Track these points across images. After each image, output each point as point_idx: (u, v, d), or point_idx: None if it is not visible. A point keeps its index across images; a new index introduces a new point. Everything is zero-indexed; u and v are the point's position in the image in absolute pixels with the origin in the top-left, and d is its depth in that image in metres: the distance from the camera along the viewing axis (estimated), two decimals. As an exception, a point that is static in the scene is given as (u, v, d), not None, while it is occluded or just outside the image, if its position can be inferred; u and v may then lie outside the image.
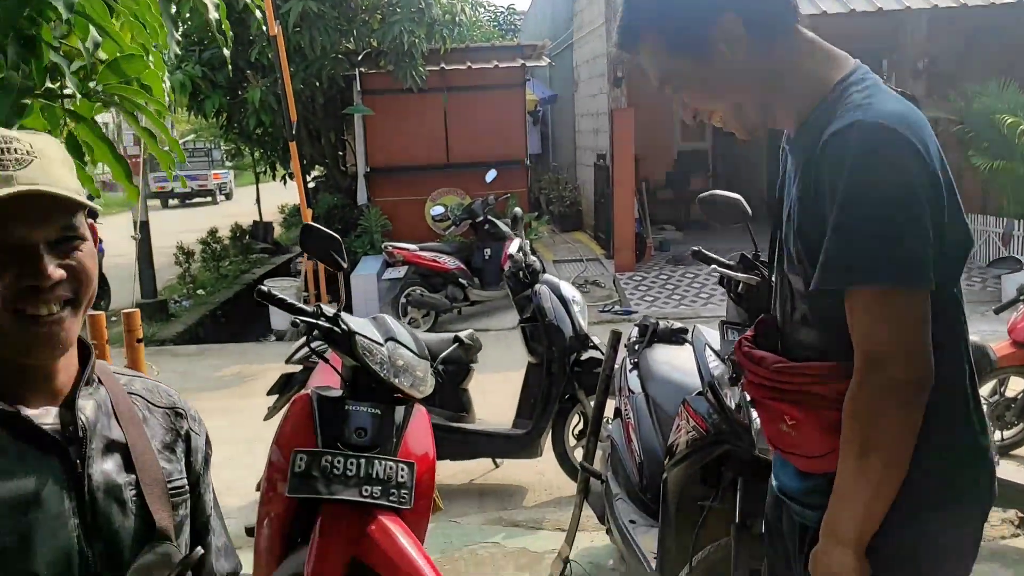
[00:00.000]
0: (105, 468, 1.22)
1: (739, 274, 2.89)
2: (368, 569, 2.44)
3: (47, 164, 1.14)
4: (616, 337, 3.62)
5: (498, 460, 5.17)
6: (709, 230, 12.97)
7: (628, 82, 10.02)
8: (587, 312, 4.93)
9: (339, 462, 2.47)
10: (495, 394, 5.74)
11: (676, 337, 3.73)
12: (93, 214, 1.23)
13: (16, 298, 1.10)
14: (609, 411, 3.82)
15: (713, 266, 2.93)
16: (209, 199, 26.92)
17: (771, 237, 1.67)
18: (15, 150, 1.13)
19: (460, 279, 8.95)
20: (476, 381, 4.96)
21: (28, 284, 1.10)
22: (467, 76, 10.31)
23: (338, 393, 2.68)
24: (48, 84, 1.61)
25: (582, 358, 4.79)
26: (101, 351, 3.77)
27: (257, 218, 14.76)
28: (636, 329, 3.84)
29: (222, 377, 7.72)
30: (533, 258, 4.94)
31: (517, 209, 5.31)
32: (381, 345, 2.63)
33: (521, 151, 10.65)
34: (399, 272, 8.79)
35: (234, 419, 5.86)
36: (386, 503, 2.46)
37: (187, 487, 1.36)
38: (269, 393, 4.93)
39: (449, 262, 8.93)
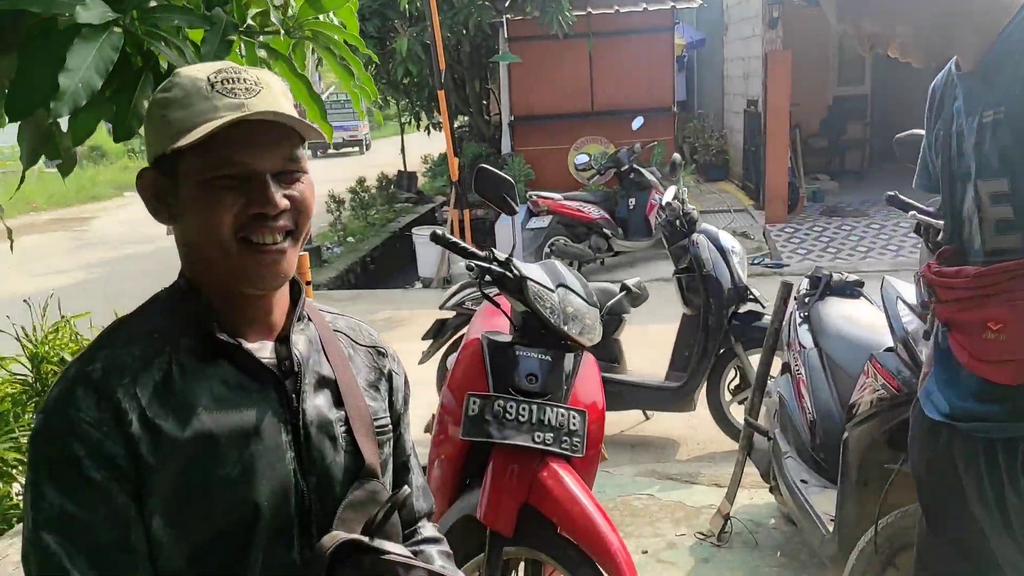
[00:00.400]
0: (317, 403, 1.23)
1: (940, 221, 2.66)
2: (538, 514, 2.44)
3: (274, 95, 1.14)
4: (787, 289, 3.45)
5: (649, 412, 5.10)
6: (865, 179, 12.29)
7: (784, 23, 9.50)
8: (746, 263, 4.73)
9: (511, 407, 2.46)
10: (643, 345, 5.65)
11: (851, 290, 3.52)
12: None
13: (243, 226, 1.11)
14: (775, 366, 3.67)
15: (912, 213, 2.71)
16: (356, 149, 27.68)
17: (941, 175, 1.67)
18: (244, 79, 1.13)
19: (604, 229, 8.83)
20: (625, 332, 4.88)
21: (256, 212, 1.11)
22: (614, 20, 10.04)
23: (507, 338, 2.66)
24: (249, 21, 1.61)
25: (740, 311, 4.62)
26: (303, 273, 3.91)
27: (401, 168, 15.04)
28: (807, 281, 3.64)
29: (374, 321, 7.94)
30: (690, 207, 4.76)
31: (676, 156, 5.12)
32: (552, 291, 2.59)
33: (668, 98, 10.33)
34: (543, 222, 8.75)
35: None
36: (558, 450, 2.44)
37: (391, 426, 1.36)
38: (424, 338, 5.03)
39: (593, 211, 8.82)
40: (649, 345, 5.87)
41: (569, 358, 2.62)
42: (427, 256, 9.35)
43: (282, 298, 1.25)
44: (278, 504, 1.15)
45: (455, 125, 13.10)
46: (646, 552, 3.58)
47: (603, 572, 2.39)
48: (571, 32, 9.75)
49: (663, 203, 4.83)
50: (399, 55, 9.95)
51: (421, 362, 4.92)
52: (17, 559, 1.64)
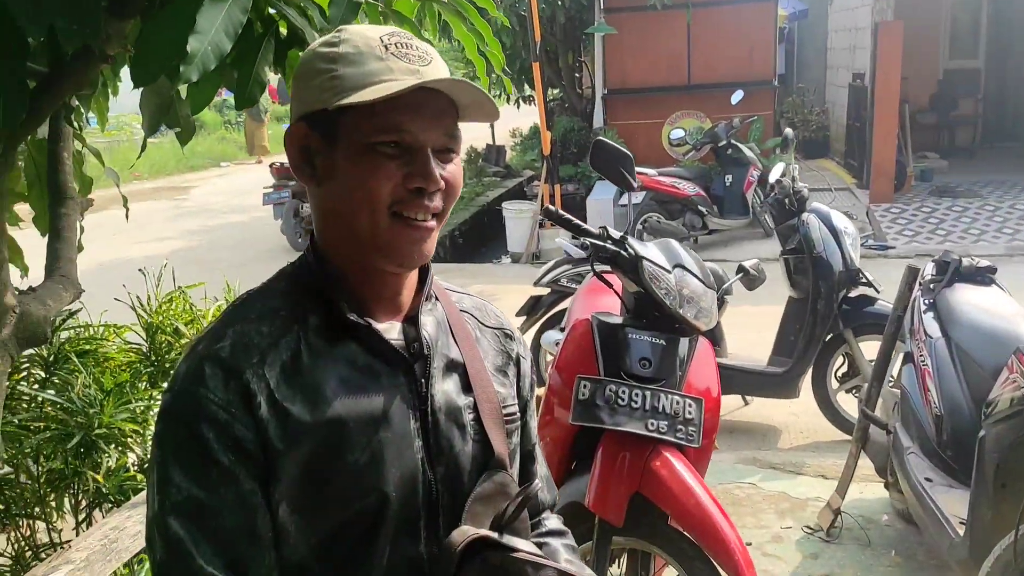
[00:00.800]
0: (446, 388, 1.16)
1: None
2: (650, 504, 2.34)
3: (443, 68, 1.08)
4: (913, 274, 3.24)
5: (748, 398, 4.93)
6: (977, 157, 11.66)
7: (898, -8, 9.03)
8: (859, 245, 4.50)
9: (624, 392, 2.36)
10: (743, 328, 5.46)
11: (982, 276, 3.28)
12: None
13: (399, 200, 1.05)
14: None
15: None
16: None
17: None
18: (416, 47, 1.07)
19: (699, 206, 8.59)
20: (729, 313, 4.71)
21: (415, 186, 1.04)
22: (714, -10, 9.71)
23: (619, 320, 2.56)
24: (375, -17, 1.53)
25: (851, 295, 4.40)
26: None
27: (490, 142, 14.98)
28: (932, 266, 3.42)
29: (463, 296, 7.91)
30: (801, 184, 4.54)
31: (788, 131, 4.92)
32: (668, 272, 2.47)
33: (769, 71, 9.94)
34: (636, 198, 8.55)
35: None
36: (672, 439, 2.33)
37: (518, 413, 1.28)
38: (518, 314, 4.97)
39: (688, 188, 8.58)
40: (749, 328, 5.67)
41: (684, 342, 2.50)
42: (517, 231, 9.27)
43: (412, 278, 1.17)
44: (406, 494, 1.08)
45: (547, 98, 12.95)
46: (750, 544, 3.44)
47: (718, 568, 2.29)
48: (669, 2, 9.47)
49: (773, 180, 4.62)
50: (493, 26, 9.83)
51: (515, 339, 4.85)
52: (135, 531, 1.63)
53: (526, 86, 12.38)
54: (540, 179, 9.50)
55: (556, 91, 12.75)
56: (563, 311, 4.91)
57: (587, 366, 2.46)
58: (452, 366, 1.18)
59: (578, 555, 1.37)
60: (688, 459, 2.40)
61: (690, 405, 2.36)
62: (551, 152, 9.23)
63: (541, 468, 1.38)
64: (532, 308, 5.02)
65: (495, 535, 1.10)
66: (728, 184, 8.69)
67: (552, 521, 1.38)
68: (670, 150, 9.75)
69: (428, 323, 1.18)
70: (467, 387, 1.19)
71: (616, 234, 2.49)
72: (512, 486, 1.19)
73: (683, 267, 2.52)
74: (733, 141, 8.69)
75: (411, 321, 1.16)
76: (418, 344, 1.14)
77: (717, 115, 9.59)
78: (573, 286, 4.77)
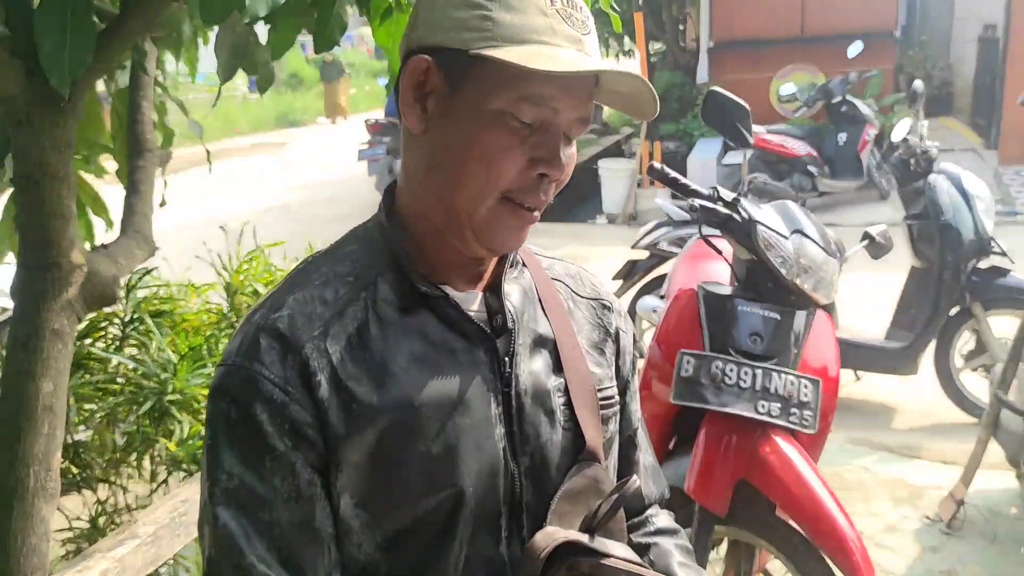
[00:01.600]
0: (533, 368, 1.00)
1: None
2: (756, 493, 2.14)
3: (595, 34, 0.93)
4: (1062, 245, 2.89)
5: (860, 373, 4.62)
6: (1121, 118, 10.68)
7: (1039, -67, 8.24)
8: (992, 212, 4.10)
9: (731, 370, 2.15)
10: (856, 298, 5.11)
11: None
12: None
13: (517, 187, 0.91)
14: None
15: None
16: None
17: None
18: (580, 7, 0.91)
19: (809, 166, 8.14)
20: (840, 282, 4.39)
21: (540, 172, 0.90)
22: (833, -66, 9.09)
23: (728, 290, 2.34)
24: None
25: (981, 266, 4.03)
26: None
27: (588, 97, 14.62)
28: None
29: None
30: (929, 143, 4.16)
31: (918, 83, 4.47)
32: (786, 238, 2.23)
33: (890, 20, 9.27)
34: (740, 157, 8.16)
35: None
36: (785, 423, 2.12)
37: (616, 396, 1.11)
38: (614, 279, 4.78)
39: (798, 147, 8.13)
40: (863, 298, 5.33)
41: (800, 316, 2.27)
42: (613, 190, 9.01)
43: None
44: (485, 489, 0.94)
45: (648, 53, 12.52)
46: (862, 533, 3.21)
47: (832, 565, 2.08)
48: (784, -52, 8.92)
49: (897, 138, 4.24)
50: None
51: (610, 303, 4.67)
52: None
53: (627, 39, 11.98)
54: (639, 136, 9.18)
55: (658, 45, 12.30)
56: (662, 276, 4.69)
57: (691, 340, 2.26)
58: (540, 342, 1.02)
59: (694, 557, 1.20)
60: (801, 444, 2.18)
61: (806, 386, 2.14)
62: (652, 108, 8.88)
63: (645, 457, 1.21)
64: (629, 272, 4.82)
65: (585, 538, 0.95)
66: (841, 143, 8.20)
67: (662, 518, 1.21)
68: (779, 107, 9.24)
69: (513, 292, 1.02)
70: (557, 366, 1.03)
71: (728, 195, 2.26)
72: (606, 481, 1.03)
73: (802, 233, 2.27)
74: (848, 97, 8.17)
75: (493, 290, 1.00)
76: (501, 317, 0.98)
77: (832, 69, 9.01)
78: (673, 250, 4.54)
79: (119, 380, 1.75)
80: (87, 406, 1.71)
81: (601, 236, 8.33)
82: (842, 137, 8.16)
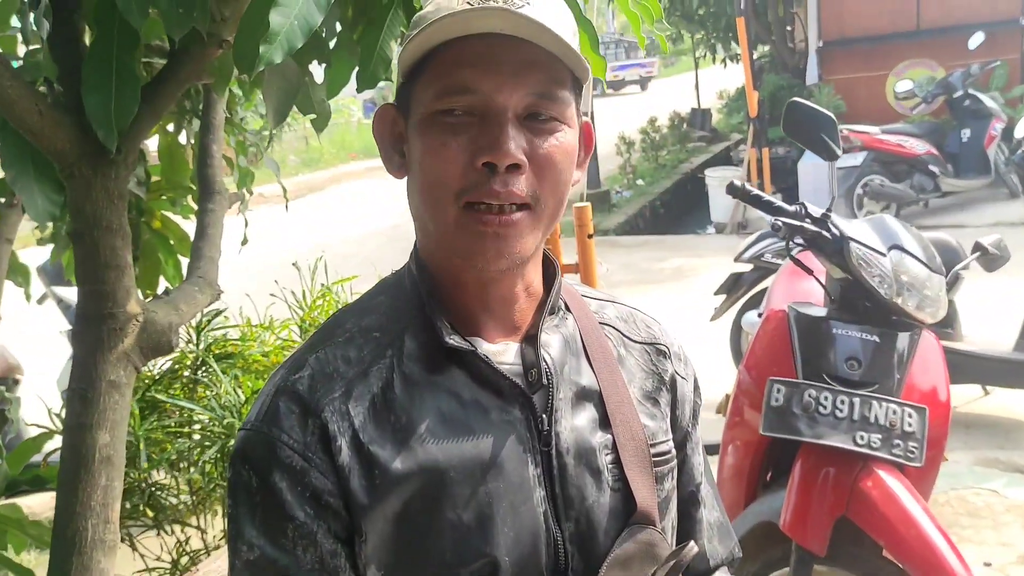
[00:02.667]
0: (576, 424, 0.92)
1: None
2: (859, 531, 1.98)
3: (544, 11, 0.83)
4: None
5: (988, 388, 4.28)
6: None
7: None
8: None
9: (826, 399, 2.00)
10: (984, 306, 4.76)
11: None
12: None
13: (470, 185, 0.83)
14: None
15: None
16: (636, 88, 27.12)
17: None
18: None
19: (930, 166, 7.69)
20: (963, 289, 4.08)
21: (483, 161, 0.81)
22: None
23: (822, 311, 2.19)
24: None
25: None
26: (554, 246, 3.67)
27: (695, 105, 14.34)
28: None
29: (662, 270, 7.58)
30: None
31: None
32: (883, 255, 2.07)
33: (1015, 7, 8.65)
34: (856, 159, 7.79)
35: (675, 317, 5.65)
36: (887, 456, 1.95)
37: (673, 452, 1.01)
38: (717, 293, 4.62)
39: (917, 146, 7.69)
40: (991, 306, 4.96)
41: (903, 338, 2.10)
42: (720, 200, 8.76)
43: (530, 284, 0.94)
44: (524, 558, 0.87)
45: (754, 56, 12.17)
46: (989, 565, 2.95)
47: (945, 613, 1.90)
48: (895, -63, 8.49)
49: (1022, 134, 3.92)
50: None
51: (713, 319, 4.53)
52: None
53: (733, 44, 11.67)
54: (747, 143, 8.90)
55: (765, 47, 11.94)
56: (764, 291, 4.51)
57: (782, 366, 2.12)
58: (584, 395, 0.94)
59: None
60: (908, 478, 2.01)
61: (910, 415, 1.97)
62: (758, 113, 8.60)
63: (711, 514, 1.10)
64: (732, 286, 4.64)
65: None
66: (965, 140, 7.72)
67: None
68: (896, 104, 8.79)
69: (552, 343, 0.94)
70: (605, 421, 0.95)
71: (817, 211, 2.12)
72: (662, 545, 0.94)
73: (901, 248, 2.11)
74: (971, 91, 7.69)
75: (529, 341, 0.93)
76: (537, 371, 0.91)
77: (951, 62, 8.52)
78: (779, 262, 4.34)
79: (194, 423, 1.77)
80: (159, 449, 1.74)
81: (709, 247, 8.10)
82: (966, 133, 7.70)
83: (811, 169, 8.29)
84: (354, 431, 0.84)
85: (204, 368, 1.87)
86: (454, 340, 0.88)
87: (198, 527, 1.84)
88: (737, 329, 4.49)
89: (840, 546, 1.99)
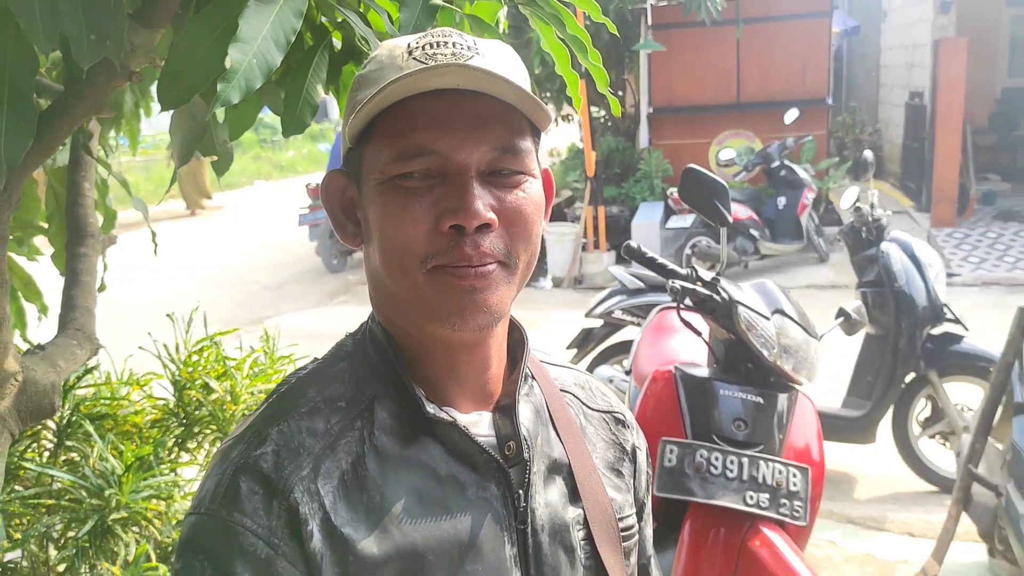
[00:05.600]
0: (549, 500, 0.88)
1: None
2: (746, 588, 2.03)
3: (497, 61, 0.79)
4: (1026, 316, 2.89)
5: (818, 440, 4.58)
6: (1039, 181, 11.18)
7: (958, 8, 8.64)
8: (944, 278, 4.14)
9: (717, 459, 2.05)
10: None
11: (1104, 319, 2.93)
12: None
13: (437, 252, 0.78)
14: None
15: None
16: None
17: None
18: (454, 44, 0.79)
19: (751, 230, 8.23)
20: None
21: (449, 224, 0.77)
22: (766, 5, 9.35)
23: (706, 372, 2.26)
24: (455, -15, 1.26)
25: (935, 332, 4.04)
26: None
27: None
28: (1043, 305, 3.06)
29: (505, 322, 7.61)
30: (880, 211, 4.20)
31: (868, 153, 4.54)
32: (767, 319, 2.16)
33: (823, 88, 9.55)
34: (684, 221, 8.25)
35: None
36: (775, 515, 2.02)
37: (637, 525, 0.99)
38: (568, 348, 4.70)
39: (740, 211, 8.23)
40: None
41: (783, 399, 2.20)
42: (558, 254, 8.98)
43: (500, 350, 0.89)
44: None
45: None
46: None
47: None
48: (720, 18, 9.16)
49: (847, 207, 4.28)
50: (534, 45, 9.59)
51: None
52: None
53: (565, 104, 12.11)
54: (583, 201, 9.21)
55: (597, 110, 12.48)
56: (617, 344, 4.62)
57: (671, 426, 2.16)
58: (555, 468, 0.91)
59: None
60: (789, 535, 2.08)
61: (794, 474, 2.05)
62: (595, 173, 8.93)
63: None
64: (583, 341, 4.75)
65: None
66: (781, 207, 8.34)
67: None
68: (718, 171, 9.37)
69: (525, 412, 0.90)
70: (574, 495, 0.91)
71: (707, 275, 2.19)
72: None
73: (783, 313, 2.21)
74: (786, 162, 8.35)
75: (503, 411, 0.88)
76: (515, 443, 0.86)
77: (768, 135, 9.23)
78: (628, 318, 4.49)
79: (55, 494, 1.55)
80: (18, 523, 1.50)
81: (548, 300, 8.25)
82: (781, 201, 8.30)
83: (644, 227, 8.69)
84: (325, 512, 0.76)
85: (70, 431, 1.64)
86: (433, 410, 0.82)
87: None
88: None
89: (728, 605, 2.03)
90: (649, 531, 1.07)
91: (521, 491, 0.85)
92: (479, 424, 0.86)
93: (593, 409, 1.02)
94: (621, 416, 1.05)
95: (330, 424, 0.81)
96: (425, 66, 0.75)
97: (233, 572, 0.73)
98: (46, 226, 2.09)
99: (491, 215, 0.77)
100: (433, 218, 0.77)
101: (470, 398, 0.87)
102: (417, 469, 0.81)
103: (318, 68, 1.38)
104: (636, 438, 1.05)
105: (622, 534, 0.95)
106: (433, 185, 0.78)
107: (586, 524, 0.90)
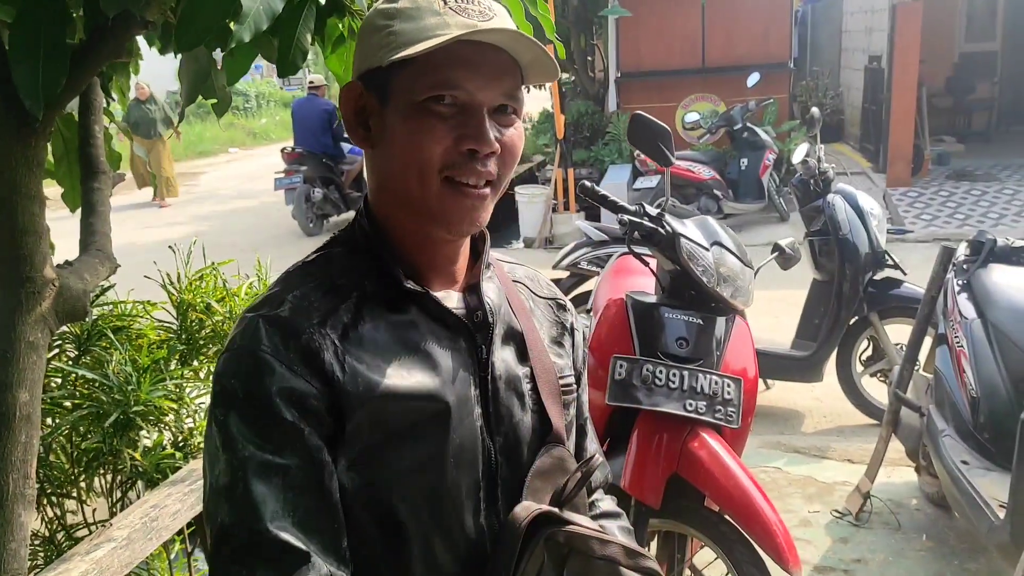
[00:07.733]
0: (504, 357, 1.12)
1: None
2: (687, 485, 2.30)
3: (506, 23, 1.02)
4: (948, 255, 3.18)
5: (770, 382, 4.89)
6: (993, 141, 11.56)
7: (916, -27, 8.90)
8: (885, 227, 4.44)
9: (661, 372, 2.32)
10: (764, 312, 5.41)
11: (1018, 257, 3.22)
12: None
13: (451, 163, 1.00)
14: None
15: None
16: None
17: None
18: (478, 1, 1.01)
19: (714, 190, 8.53)
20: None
21: (468, 147, 0.99)
22: (730, -29, 9.58)
23: (654, 299, 2.52)
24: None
25: (876, 278, 4.35)
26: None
27: (500, 126, 14.86)
28: (966, 246, 3.36)
29: (477, 280, 7.84)
30: (826, 165, 4.48)
31: (815, 110, 4.82)
32: (707, 250, 2.42)
33: (785, 52, 9.83)
34: (651, 182, 8.52)
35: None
36: (711, 419, 2.29)
37: (575, 385, 1.24)
38: (537, 297, 4.92)
39: (704, 172, 8.52)
40: (770, 311, 5.63)
41: (721, 322, 2.46)
42: (529, 215, 9.21)
43: (465, 246, 1.13)
44: (467, 462, 1.04)
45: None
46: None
47: (759, 549, 2.25)
48: (685, -16, 9.38)
49: (797, 161, 4.55)
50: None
51: (535, 321, 4.81)
52: (174, 509, 1.60)
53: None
54: (553, 163, 9.43)
55: (567, 75, 12.65)
56: (582, 294, 4.87)
57: (622, 345, 2.42)
58: (511, 335, 1.15)
59: (633, 538, 1.33)
60: (725, 440, 2.36)
61: (729, 385, 2.32)
62: (564, 136, 9.15)
63: (592, 444, 1.34)
64: (550, 292, 4.98)
65: (558, 511, 1.07)
66: (743, 168, 8.63)
67: (606, 502, 1.34)
68: (684, 134, 9.65)
69: (490, 290, 1.14)
70: (524, 357, 1.15)
71: (653, 211, 2.44)
72: (570, 461, 1.15)
73: (721, 245, 2.47)
74: (748, 124, 8.62)
75: (471, 290, 1.12)
76: (481, 312, 1.10)
77: (732, 98, 9.50)
78: (594, 269, 4.74)
79: (77, 396, 1.77)
80: (46, 425, 1.72)
81: (520, 260, 8.48)
82: (744, 162, 8.59)
83: (613, 188, 8.91)
84: (336, 347, 0.97)
85: (90, 341, 1.86)
86: (411, 284, 1.06)
87: (82, 501, 1.83)
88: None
89: (671, 500, 2.31)
90: (585, 397, 1.32)
91: (484, 347, 1.10)
92: (449, 299, 1.10)
93: (539, 296, 1.27)
94: (563, 302, 1.30)
95: (330, 294, 1.04)
96: (478, 26, 0.97)
97: (262, 384, 0.94)
98: (53, 169, 2.28)
99: (497, 146, 1.01)
100: (453, 140, 0.99)
101: (442, 280, 1.11)
102: (402, 326, 1.04)
103: (307, 19, 1.60)
104: (574, 319, 1.30)
105: (562, 389, 1.20)
106: (455, 114, 0.99)
107: (533, 380, 1.15)
